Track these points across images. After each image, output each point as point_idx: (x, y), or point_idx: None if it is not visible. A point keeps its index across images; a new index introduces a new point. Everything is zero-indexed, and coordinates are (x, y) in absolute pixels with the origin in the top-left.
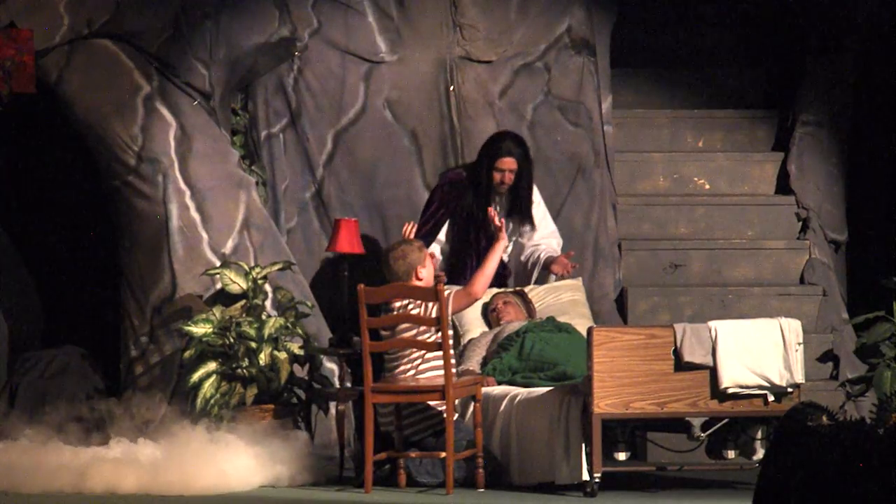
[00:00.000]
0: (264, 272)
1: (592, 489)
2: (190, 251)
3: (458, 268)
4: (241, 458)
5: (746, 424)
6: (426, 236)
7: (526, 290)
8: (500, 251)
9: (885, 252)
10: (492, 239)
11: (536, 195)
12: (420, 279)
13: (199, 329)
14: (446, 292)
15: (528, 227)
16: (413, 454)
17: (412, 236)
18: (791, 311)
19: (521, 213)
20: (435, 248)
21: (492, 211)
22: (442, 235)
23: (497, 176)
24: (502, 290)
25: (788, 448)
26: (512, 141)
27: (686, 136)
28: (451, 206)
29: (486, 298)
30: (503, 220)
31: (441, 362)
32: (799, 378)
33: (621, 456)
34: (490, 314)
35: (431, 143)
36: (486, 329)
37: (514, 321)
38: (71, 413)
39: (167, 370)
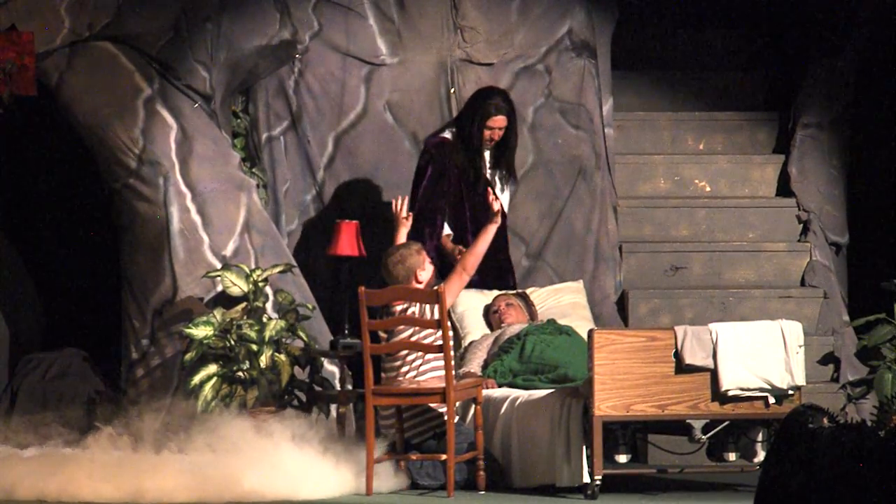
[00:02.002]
0: (265, 274)
1: (593, 491)
2: (191, 253)
3: (454, 228)
4: (316, 466)
5: (747, 427)
6: (428, 203)
7: (528, 292)
8: (492, 233)
9: (886, 254)
10: (483, 197)
11: None
12: (420, 282)
13: (200, 331)
14: (437, 287)
15: (511, 180)
16: (414, 456)
17: (403, 210)
18: (792, 314)
19: (506, 167)
20: (446, 226)
21: (490, 193)
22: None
23: (487, 133)
24: (504, 291)
25: (789, 450)
26: (501, 98)
27: (687, 139)
28: (442, 168)
29: (488, 300)
30: (501, 204)
31: (440, 364)
32: (800, 380)
33: (622, 458)
34: (492, 315)
35: None
36: (487, 331)
37: (515, 323)
38: (89, 417)
39: (168, 373)
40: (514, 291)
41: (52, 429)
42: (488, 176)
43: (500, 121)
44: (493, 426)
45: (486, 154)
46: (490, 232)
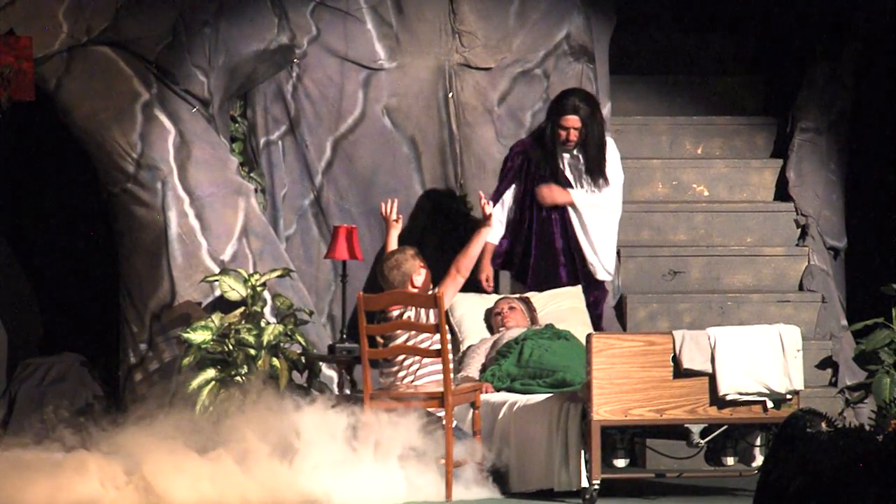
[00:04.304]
0: (263, 279)
1: (591, 496)
2: (189, 258)
3: (520, 229)
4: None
5: (745, 431)
6: (496, 198)
7: (528, 296)
8: (485, 236)
9: (883, 259)
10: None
11: (612, 156)
12: (415, 287)
13: (198, 336)
14: (434, 291)
15: (601, 182)
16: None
17: (393, 212)
18: (790, 318)
19: (591, 172)
20: (498, 210)
21: (481, 195)
22: (509, 195)
23: (562, 133)
24: (506, 295)
25: (787, 455)
26: (578, 98)
27: (685, 143)
28: (521, 169)
29: (486, 304)
30: (492, 209)
31: (438, 368)
32: (798, 385)
33: (620, 463)
34: (493, 317)
35: (430, 150)
36: (486, 335)
37: (516, 327)
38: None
39: (166, 377)
40: (517, 295)
41: (50, 433)
42: (569, 176)
43: (572, 120)
44: (492, 431)
45: (567, 155)
46: (483, 235)
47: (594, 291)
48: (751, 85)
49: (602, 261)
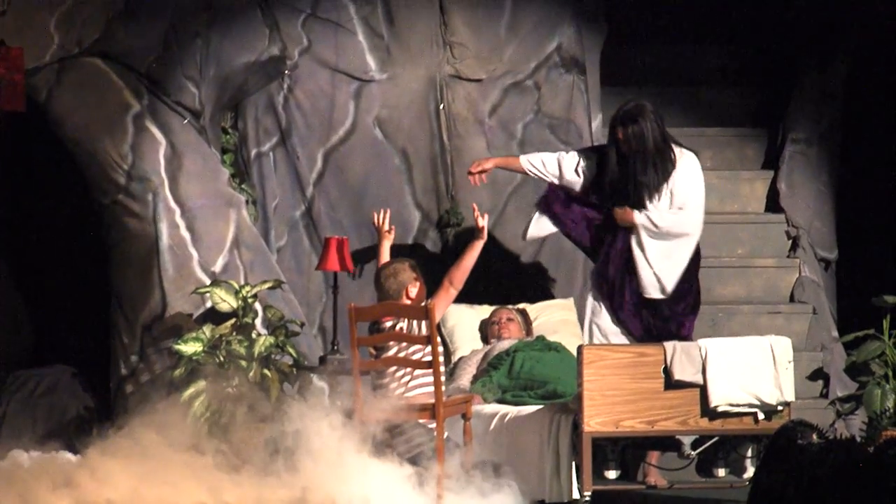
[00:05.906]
0: (254, 291)
1: None
2: (180, 270)
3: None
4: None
5: (737, 442)
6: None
7: (524, 307)
8: (479, 249)
9: (874, 270)
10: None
11: (683, 174)
12: (410, 298)
13: (189, 348)
14: (425, 302)
15: (647, 195)
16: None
17: (385, 222)
18: (781, 330)
19: (638, 186)
20: (552, 159)
21: (475, 207)
22: (563, 161)
23: (622, 146)
24: (504, 305)
25: (779, 466)
26: (627, 107)
27: None
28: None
29: (479, 314)
30: (486, 222)
31: (428, 380)
32: (789, 396)
33: (611, 474)
34: (490, 327)
35: (421, 162)
36: (477, 345)
37: (512, 338)
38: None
39: (157, 389)
40: (515, 307)
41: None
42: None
43: (618, 132)
44: (483, 442)
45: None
46: (476, 248)
47: (673, 306)
48: (741, 96)
49: (652, 280)
